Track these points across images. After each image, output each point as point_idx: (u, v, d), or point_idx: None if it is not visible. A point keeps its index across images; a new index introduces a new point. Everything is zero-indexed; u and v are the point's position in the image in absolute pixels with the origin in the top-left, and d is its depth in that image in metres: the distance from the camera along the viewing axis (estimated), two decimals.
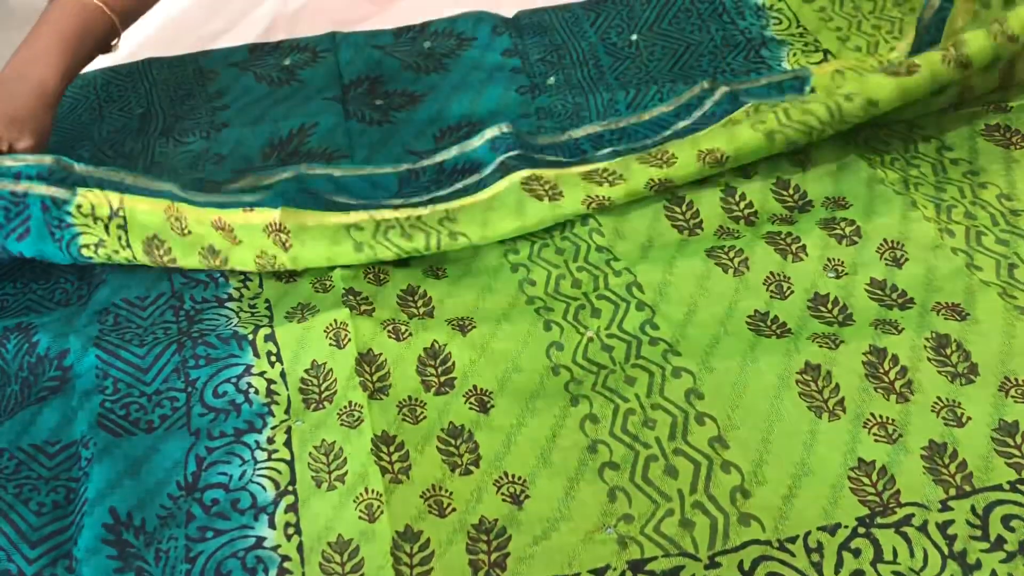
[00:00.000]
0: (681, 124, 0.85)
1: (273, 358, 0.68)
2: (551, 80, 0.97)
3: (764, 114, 0.78)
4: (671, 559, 0.55)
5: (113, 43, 0.87)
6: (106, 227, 0.74)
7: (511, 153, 0.80)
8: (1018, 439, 0.58)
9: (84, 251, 0.74)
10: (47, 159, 0.75)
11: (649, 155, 0.77)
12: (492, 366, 0.67)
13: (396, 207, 0.77)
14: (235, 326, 0.70)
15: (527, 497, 0.59)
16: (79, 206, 0.73)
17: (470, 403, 0.65)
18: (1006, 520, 0.55)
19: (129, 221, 0.74)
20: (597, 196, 0.75)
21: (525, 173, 0.76)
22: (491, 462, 0.61)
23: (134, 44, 1.06)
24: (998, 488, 0.56)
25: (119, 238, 0.74)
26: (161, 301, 0.73)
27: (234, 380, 0.67)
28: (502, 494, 0.59)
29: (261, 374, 0.67)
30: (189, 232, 0.74)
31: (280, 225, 0.73)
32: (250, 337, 0.69)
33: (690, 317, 0.69)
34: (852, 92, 0.76)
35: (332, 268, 0.74)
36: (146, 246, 0.74)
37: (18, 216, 0.74)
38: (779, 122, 0.76)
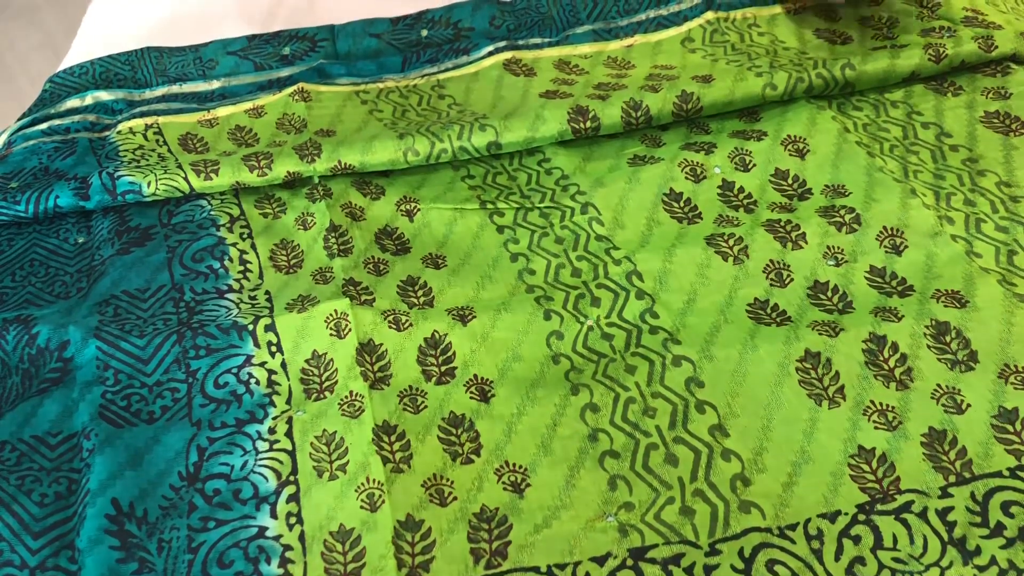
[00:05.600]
0: (652, 13, 1.01)
1: (274, 348, 0.68)
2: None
3: (725, 34, 0.95)
4: (672, 547, 0.55)
5: None
6: (144, 135, 0.89)
7: (500, 44, 0.96)
8: (1018, 426, 0.59)
9: (124, 155, 0.85)
10: (91, 116, 0.93)
11: (613, 60, 0.95)
12: (492, 355, 0.67)
13: (398, 80, 0.96)
14: (235, 316, 0.70)
15: (528, 486, 0.59)
16: (119, 131, 0.89)
17: (471, 392, 0.65)
18: (1006, 506, 0.55)
19: (164, 127, 0.90)
20: (563, 78, 0.91)
21: (507, 55, 0.94)
22: (492, 451, 0.61)
23: (133, 33, 1.06)
24: (998, 475, 0.56)
25: (156, 141, 0.88)
26: (161, 293, 0.73)
27: (235, 370, 0.67)
28: (503, 483, 0.60)
29: (262, 364, 0.67)
30: (218, 123, 0.91)
31: (303, 89, 0.93)
32: (250, 327, 0.69)
33: (690, 305, 0.69)
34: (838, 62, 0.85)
35: (332, 258, 0.75)
36: (181, 141, 0.88)
37: (68, 149, 0.89)
38: (730, 50, 0.93)
